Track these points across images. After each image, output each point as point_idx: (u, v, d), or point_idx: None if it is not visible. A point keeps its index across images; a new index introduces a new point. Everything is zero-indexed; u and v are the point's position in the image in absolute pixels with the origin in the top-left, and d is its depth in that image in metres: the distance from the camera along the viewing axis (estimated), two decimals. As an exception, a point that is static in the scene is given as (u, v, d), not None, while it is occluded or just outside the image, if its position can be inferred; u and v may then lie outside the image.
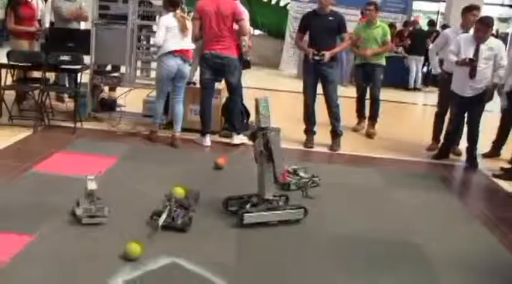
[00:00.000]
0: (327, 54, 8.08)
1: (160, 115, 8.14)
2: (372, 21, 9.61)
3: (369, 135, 9.63)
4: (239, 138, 8.11)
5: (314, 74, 8.32)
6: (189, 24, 7.77)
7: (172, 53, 7.67)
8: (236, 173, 6.76)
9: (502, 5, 25.22)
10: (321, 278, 4.48)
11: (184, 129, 8.12)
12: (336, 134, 8.57)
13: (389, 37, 9.62)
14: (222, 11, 7.76)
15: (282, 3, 19.76)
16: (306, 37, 8.52)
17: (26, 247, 4.47)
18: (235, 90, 8.19)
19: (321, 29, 8.20)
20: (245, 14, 8.04)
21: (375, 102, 9.68)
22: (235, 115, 8.25)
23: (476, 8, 8.49)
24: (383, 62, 9.62)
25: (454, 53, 7.94)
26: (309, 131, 8.65)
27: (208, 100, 8.13)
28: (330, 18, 8.19)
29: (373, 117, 9.76)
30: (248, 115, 8.69)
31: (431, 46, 10.17)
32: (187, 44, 7.82)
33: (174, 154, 7.59)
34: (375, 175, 7.38)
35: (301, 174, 6.47)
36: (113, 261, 4.34)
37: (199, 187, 5.86)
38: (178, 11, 7.73)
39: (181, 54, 7.73)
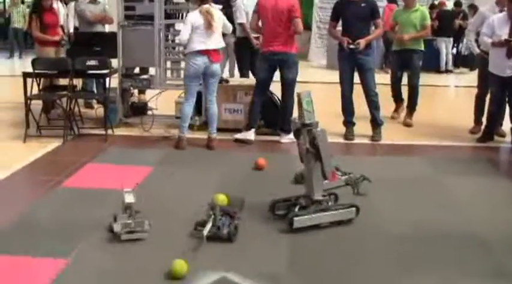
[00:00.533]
0: (362, 42, 7.88)
1: (188, 119, 7.71)
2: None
3: (407, 125, 9.32)
4: (288, 138, 7.78)
5: (350, 63, 8.12)
6: (215, 21, 7.40)
7: (199, 52, 7.38)
8: (278, 173, 6.47)
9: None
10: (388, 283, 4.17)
11: (218, 129, 7.82)
12: (376, 124, 8.33)
13: (428, 21, 9.26)
14: (278, 7, 7.66)
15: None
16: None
17: (62, 271, 4.15)
18: (289, 87, 7.96)
19: (353, 16, 8.02)
20: None
21: (413, 90, 9.34)
22: (287, 115, 7.88)
23: None
24: (421, 47, 9.26)
25: (487, 35, 7.88)
26: (348, 122, 8.40)
27: (260, 98, 8.07)
28: (363, 4, 7.98)
29: (412, 106, 9.42)
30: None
31: (468, 26, 9.86)
32: (213, 43, 7.45)
33: (211, 156, 7.32)
34: (422, 164, 7.14)
35: None
36: (157, 281, 4.03)
37: (240, 190, 5.63)
38: (205, 6, 7.38)
39: (207, 53, 7.41)
